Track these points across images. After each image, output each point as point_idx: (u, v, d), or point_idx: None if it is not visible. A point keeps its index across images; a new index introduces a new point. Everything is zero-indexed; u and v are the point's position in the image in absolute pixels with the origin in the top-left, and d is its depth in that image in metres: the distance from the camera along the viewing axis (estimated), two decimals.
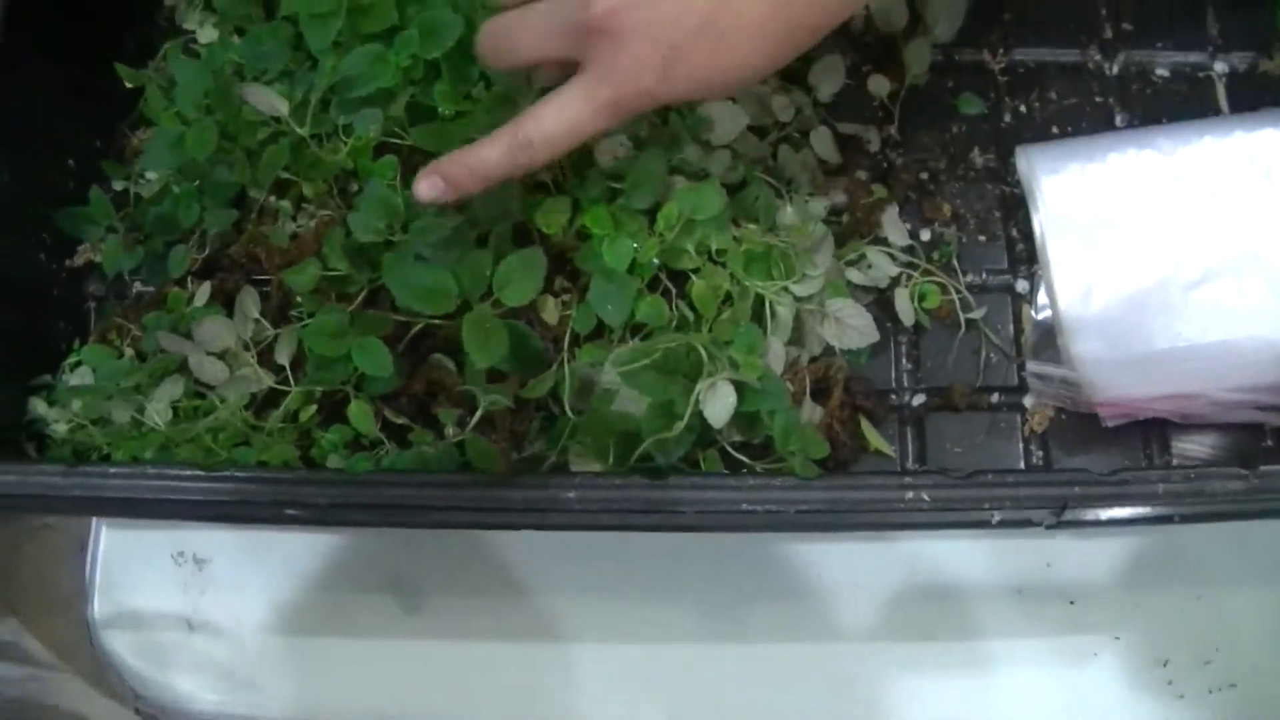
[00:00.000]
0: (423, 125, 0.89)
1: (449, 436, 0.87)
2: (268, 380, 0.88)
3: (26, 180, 0.93)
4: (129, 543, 0.97)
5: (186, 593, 0.95)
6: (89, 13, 0.97)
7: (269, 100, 0.89)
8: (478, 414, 0.85)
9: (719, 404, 0.81)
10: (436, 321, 0.86)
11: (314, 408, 0.88)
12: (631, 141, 0.88)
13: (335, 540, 0.94)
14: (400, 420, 0.88)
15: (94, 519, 0.97)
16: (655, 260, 0.85)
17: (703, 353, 0.80)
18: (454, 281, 0.83)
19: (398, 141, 0.90)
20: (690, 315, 0.86)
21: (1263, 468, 0.77)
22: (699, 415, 0.81)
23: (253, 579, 0.95)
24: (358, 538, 0.94)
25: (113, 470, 0.80)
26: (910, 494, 0.77)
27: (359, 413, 0.86)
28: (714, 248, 0.86)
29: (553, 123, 0.76)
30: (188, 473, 0.78)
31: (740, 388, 0.81)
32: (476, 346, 0.81)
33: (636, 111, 0.75)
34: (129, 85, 0.97)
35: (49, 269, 0.95)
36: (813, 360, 0.89)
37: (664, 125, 0.90)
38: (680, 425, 0.80)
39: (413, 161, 0.88)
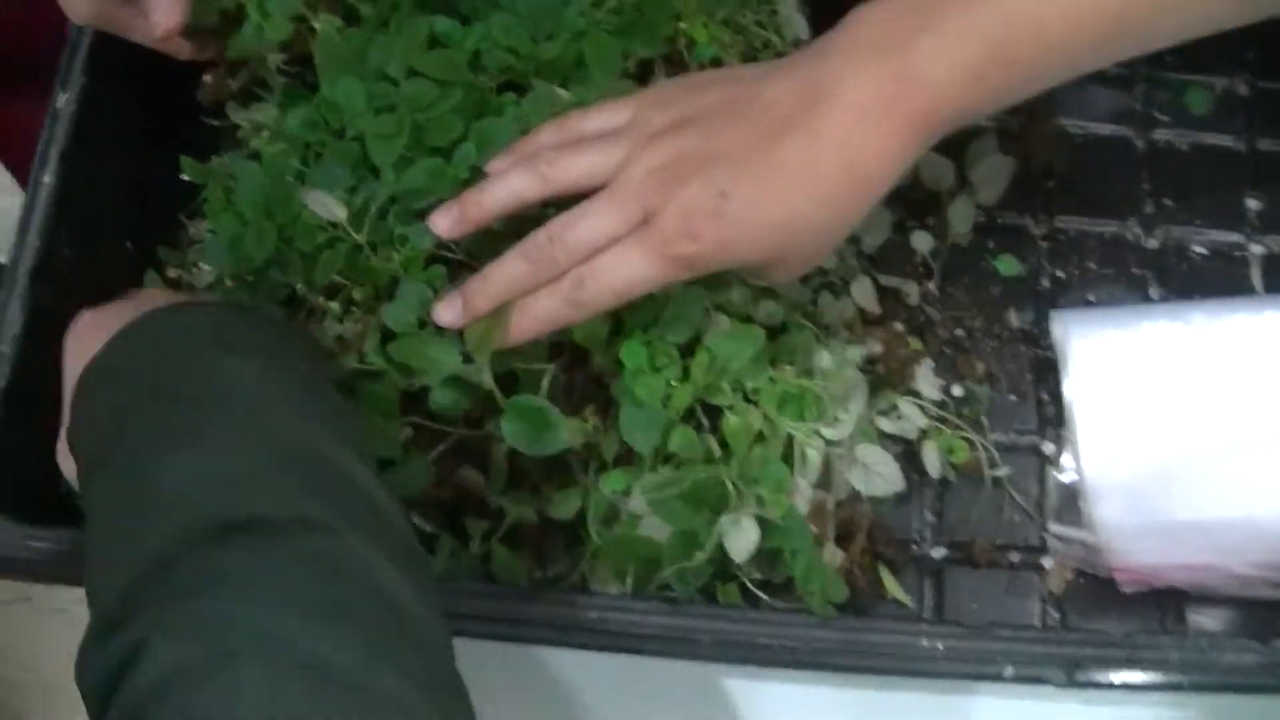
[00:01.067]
0: (474, 236, 0.93)
1: (474, 547, 0.90)
2: None
3: (88, 259, 0.97)
4: None
5: None
6: (160, 104, 1.03)
7: (329, 206, 0.93)
8: (505, 525, 0.89)
9: (742, 539, 0.84)
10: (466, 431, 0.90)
11: None
12: None
13: None
14: (429, 528, 0.91)
15: None
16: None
17: (730, 488, 0.84)
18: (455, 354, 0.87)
19: (448, 254, 0.94)
20: (718, 449, 0.89)
21: (1277, 642, 0.80)
22: (720, 548, 0.84)
23: None
24: None
25: None
26: (925, 641, 0.80)
27: None
28: (749, 386, 0.89)
29: (609, 277, 0.80)
30: None
31: (764, 524, 0.85)
32: (520, 434, 0.85)
33: (696, 272, 0.79)
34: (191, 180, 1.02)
35: None
36: (839, 504, 0.92)
37: None
38: (702, 556, 0.83)
39: (461, 275, 0.92)
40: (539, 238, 0.81)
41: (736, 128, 0.78)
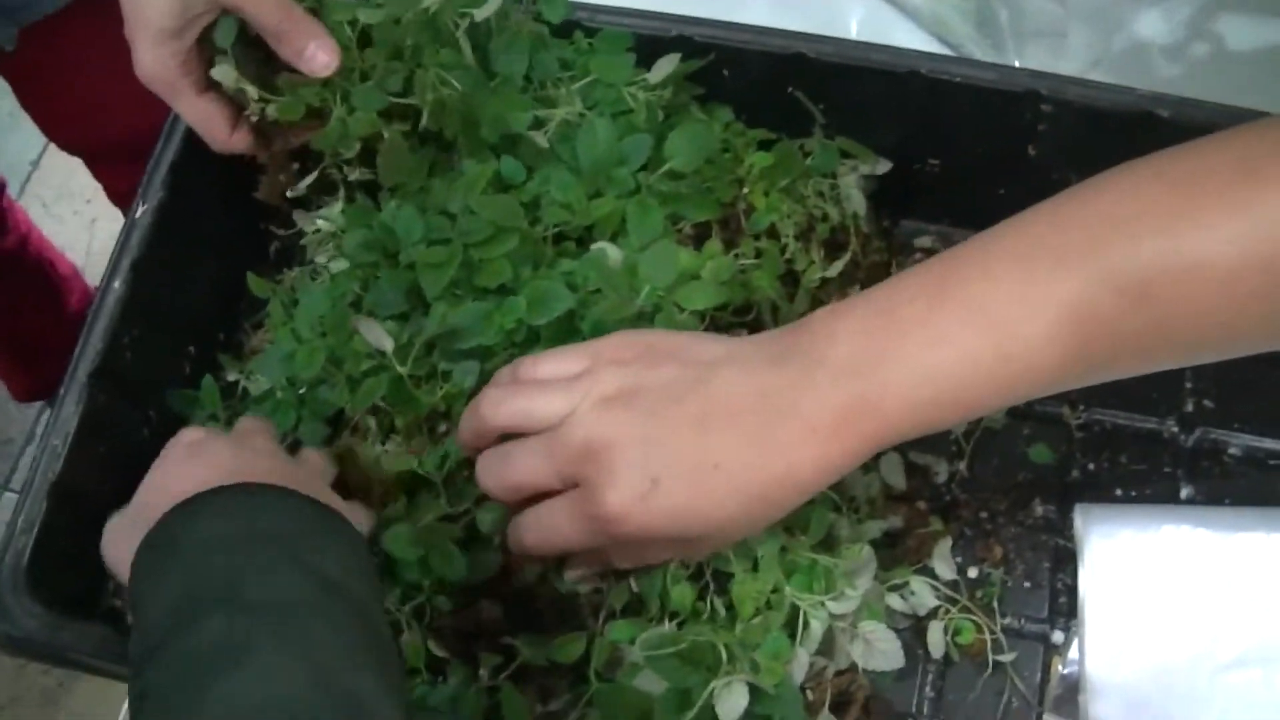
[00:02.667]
0: None
1: (482, 679, 0.96)
2: None
3: (150, 358, 1.06)
4: None
5: None
6: (236, 215, 1.11)
7: (378, 335, 1.00)
8: (515, 663, 0.95)
9: (731, 702, 0.89)
10: None
11: None
12: None
13: None
14: (442, 654, 0.97)
15: None
16: None
17: (722, 651, 0.89)
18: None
19: None
20: (723, 610, 0.95)
21: None
22: (711, 709, 0.89)
23: None
24: None
25: None
26: None
27: (411, 645, 0.96)
28: (759, 554, 0.95)
29: (541, 533, 0.87)
30: None
31: (757, 691, 0.90)
32: None
33: (615, 537, 0.83)
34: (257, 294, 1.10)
35: (150, 443, 1.07)
36: (838, 674, 0.97)
37: None
38: (690, 715, 0.88)
39: None
40: (485, 458, 0.89)
41: (681, 414, 0.82)
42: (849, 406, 0.79)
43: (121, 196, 1.89)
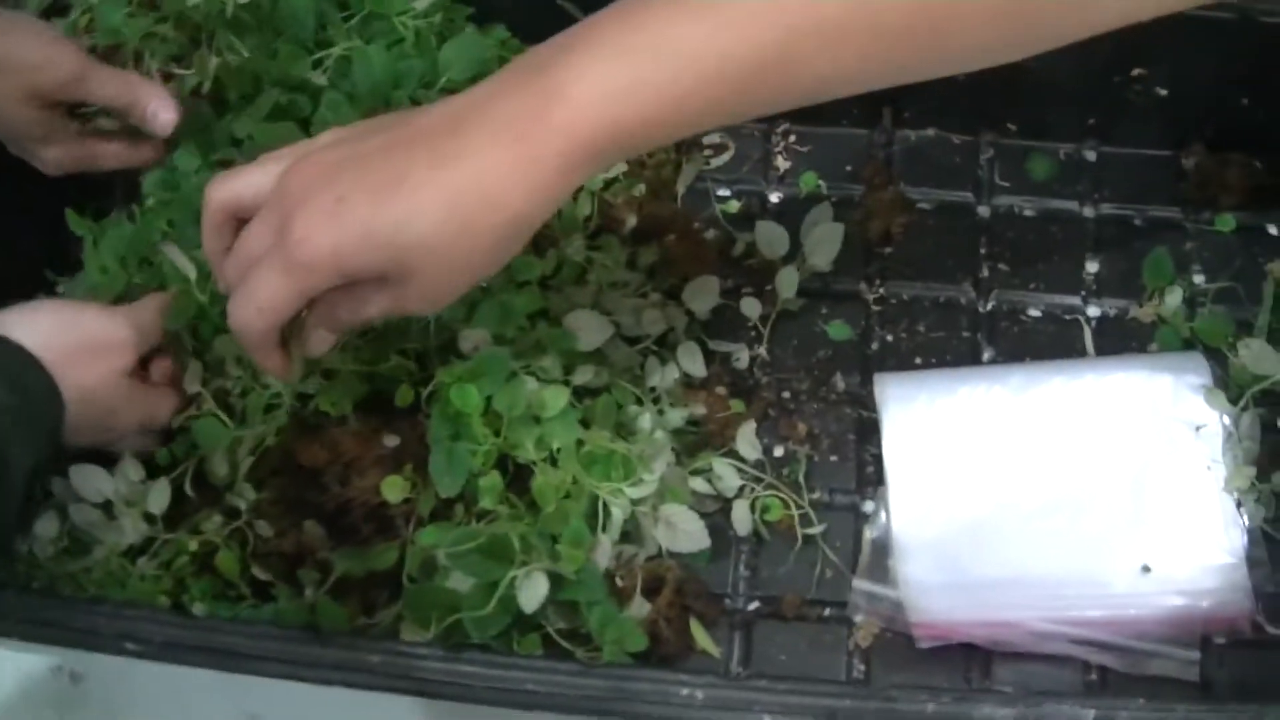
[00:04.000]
0: None
1: (308, 596, 1.01)
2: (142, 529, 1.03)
3: None
4: (7, 654, 1.12)
5: (59, 707, 1.10)
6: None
7: (183, 262, 1.05)
8: (332, 578, 1.00)
9: (532, 591, 0.94)
10: None
11: (187, 557, 1.03)
12: (494, 339, 1.02)
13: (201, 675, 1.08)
14: (265, 577, 1.02)
15: None
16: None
17: (515, 543, 0.94)
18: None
19: None
20: (527, 507, 1.00)
21: (1033, 697, 0.89)
22: (514, 599, 0.94)
23: (124, 700, 1.09)
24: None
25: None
26: (685, 691, 0.89)
27: (227, 561, 1.01)
28: (555, 446, 1.00)
29: (247, 297, 0.83)
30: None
31: (558, 579, 0.95)
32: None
33: (320, 279, 0.80)
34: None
35: None
36: (648, 559, 1.03)
37: (531, 330, 1.04)
38: (490, 606, 0.93)
39: None
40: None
41: (375, 144, 0.80)
42: (531, 98, 0.76)
43: None
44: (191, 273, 1.05)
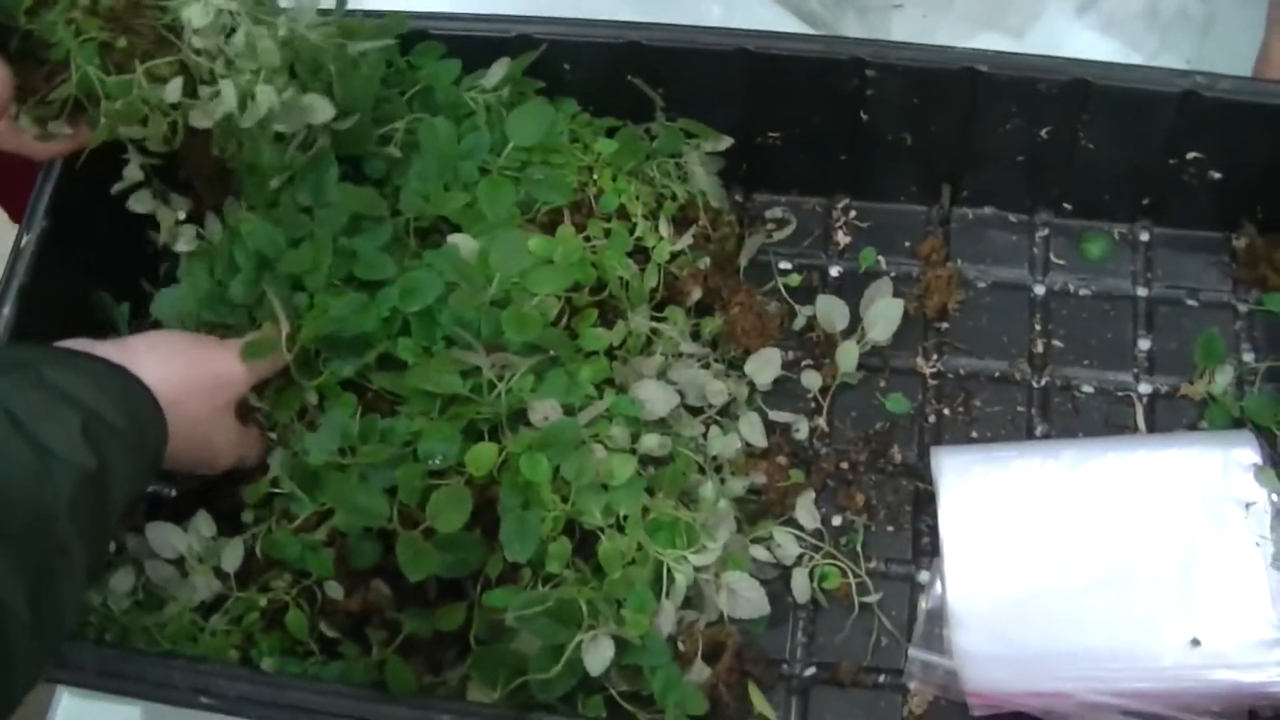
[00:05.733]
0: (387, 372, 1.09)
1: (375, 654, 1.05)
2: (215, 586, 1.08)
3: None
4: (83, 704, 1.16)
5: None
6: (124, 238, 1.20)
7: (279, 309, 1.08)
8: (399, 637, 1.04)
9: (598, 655, 0.98)
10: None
11: (257, 614, 1.07)
12: (563, 409, 1.06)
13: None
14: (333, 634, 1.06)
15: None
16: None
17: (588, 607, 0.98)
18: (385, 504, 1.02)
19: (364, 383, 1.10)
20: (594, 572, 1.04)
21: None
22: (580, 662, 0.98)
23: None
24: None
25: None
26: None
27: (296, 620, 1.05)
28: (621, 513, 1.04)
29: None
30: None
31: (623, 643, 0.99)
32: (407, 563, 1.01)
33: None
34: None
35: None
36: (709, 625, 1.06)
37: (598, 398, 1.08)
38: (557, 668, 0.97)
39: (376, 406, 1.08)
40: None
41: None
42: None
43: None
44: (284, 326, 1.08)
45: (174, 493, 1.15)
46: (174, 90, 1.02)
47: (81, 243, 1.16)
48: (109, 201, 1.14)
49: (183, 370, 1.02)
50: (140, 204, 1.16)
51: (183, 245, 1.18)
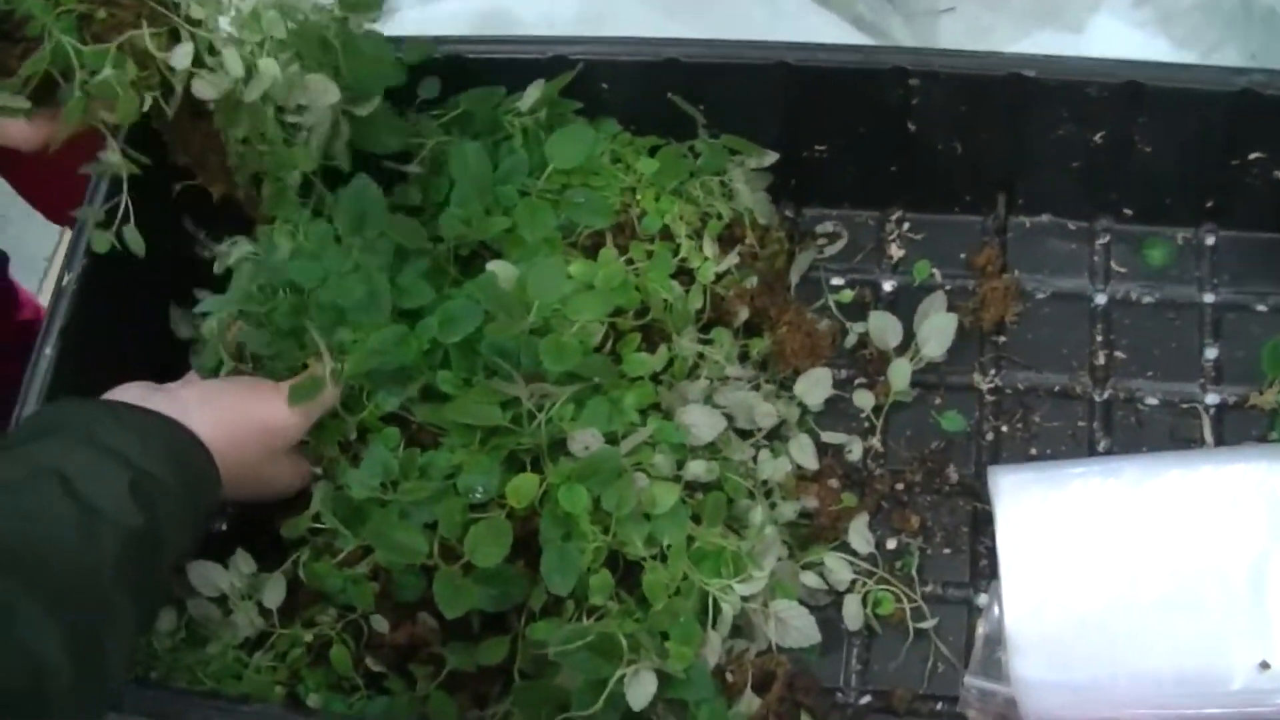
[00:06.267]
0: (429, 404, 1.08)
1: (420, 689, 1.04)
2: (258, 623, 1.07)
3: None
4: None
5: None
6: (166, 273, 1.20)
7: (322, 350, 1.07)
8: (444, 672, 1.03)
9: (641, 689, 0.96)
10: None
11: (301, 649, 1.06)
12: (605, 437, 1.05)
13: None
14: (379, 669, 1.05)
15: None
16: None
17: (627, 640, 0.96)
18: (424, 542, 1.01)
19: (406, 415, 1.08)
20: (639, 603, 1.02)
21: None
22: (623, 697, 0.96)
23: None
24: None
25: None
26: None
27: (340, 656, 1.04)
28: (665, 543, 1.02)
29: None
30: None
31: (667, 676, 0.97)
32: (446, 599, 1.00)
33: None
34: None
35: None
36: (759, 654, 1.04)
37: (642, 425, 1.06)
38: (599, 704, 0.95)
39: (420, 438, 1.07)
40: None
41: None
42: None
43: None
44: (327, 364, 1.07)
45: (224, 527, 1.16)
46: (182, 56, 1.00)
47: (123, 279, 1.16)
48: (152, 238, 1.15)
49: (235, 420, 1.02)
50: None
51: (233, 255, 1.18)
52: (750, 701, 1.02)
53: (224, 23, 1.03)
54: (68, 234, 1.97)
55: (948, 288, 1.19)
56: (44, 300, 1.80)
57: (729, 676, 1.02)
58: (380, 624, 1.05)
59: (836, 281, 1.22)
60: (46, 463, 0.88)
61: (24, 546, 0.84)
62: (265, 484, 1.07)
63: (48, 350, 1.11)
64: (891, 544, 1.11)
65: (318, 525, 1.07)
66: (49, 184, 1.71)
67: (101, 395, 1.02)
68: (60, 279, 1.13)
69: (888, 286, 1.22)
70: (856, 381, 1.17)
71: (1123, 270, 1.19)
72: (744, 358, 1.16)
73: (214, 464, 0.98)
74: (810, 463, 1.12)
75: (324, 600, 1.07)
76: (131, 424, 0.95)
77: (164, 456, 0.94)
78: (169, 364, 1.18)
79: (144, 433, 0.95)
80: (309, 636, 1.06)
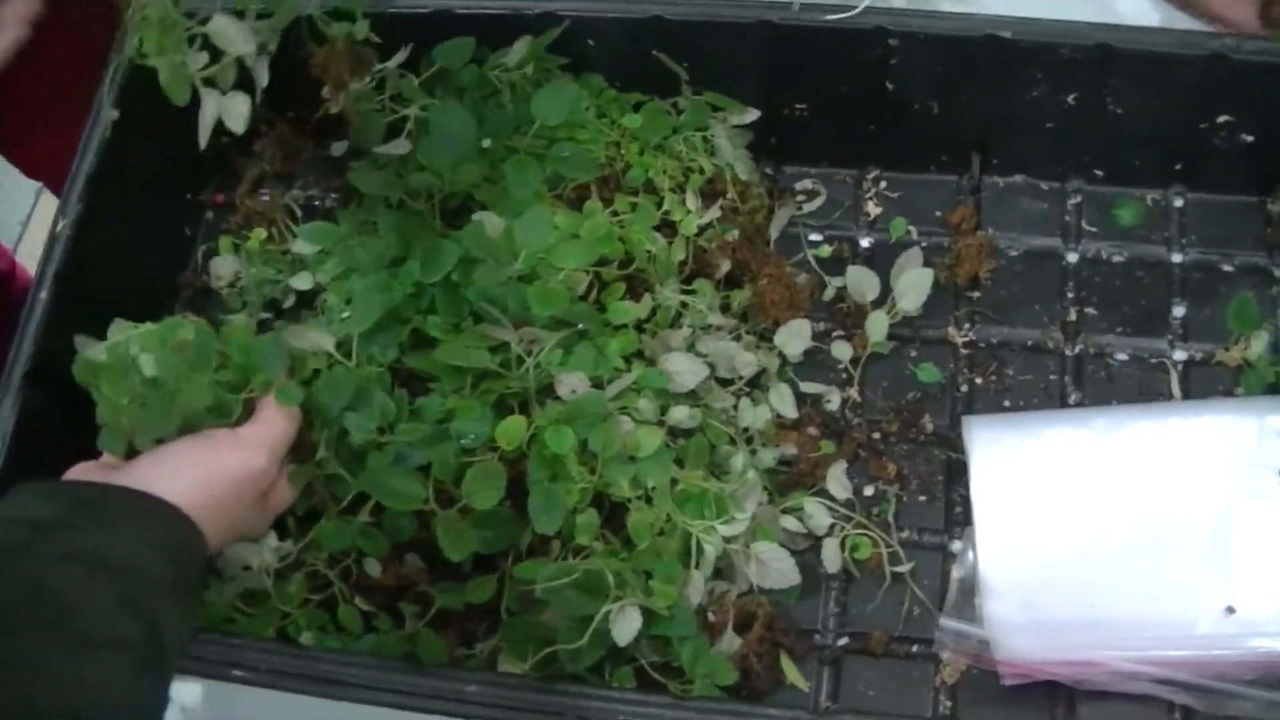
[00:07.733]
0: (418, 351, 1.10)
1: (408, 628, 1.06)
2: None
3: None
4: None
5: None
6: (158, 224, 1.22)
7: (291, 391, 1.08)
8: (431, 611, 1.05)
9: (625, 625, 0.99)
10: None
11: (296, 589, 1.08)
12: (591, 382, 1.07)
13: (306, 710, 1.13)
14: (368, 609, 1.07)
15: None
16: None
17: (609, 578, 0.99)
18: (420, 487, 1.04)
19: (398, 366, 1.10)
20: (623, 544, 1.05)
21: None
22: (608, 633, 0.99)
23: None
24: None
25: None
26: None
27: (346, 614, 1.07)
28: (649, 485, 1.05)
29: None
30: None
31: (651, 614, 1.00)
32: (449, 543, 1.03)
33: None
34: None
35: (88, 440, 1.16)
36: (740, 595, 1.07)
37: (627, 371, 1.09)
38: (585, 639, 0.98)
39: (411, 385, 1.10)
40: None
41: None
42: None
43: None
44: (297, 398, 1.06)
45: None
46: None
47: (118, 226, 1.18)
48: (146, 184, 1.17)
49: (209, 480, 1.00)
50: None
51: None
52: (731, 641, 1.05)
53: None
54: (45, 198, 1.98)
55: (923, 244, 1.22)
56: (21, 262, 1.82)
57: (711, 616, 1.05)
58: (374, 567, 1.08)
59: (815, 237, 1.25)
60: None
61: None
62: (249, 528, 1.07)
63: (42, 294, 1.12)
64: (869, 491, 1.14)
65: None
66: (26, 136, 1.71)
67: (60, 476, 1.01)
68: (54, 225, 1.15)
69: (865, 243, 1.24)
70: (835, 333, 1.19)
71: (1093, 230, 1.22)
72: (725, 309, 1.18)
73: (201, 537, 0.97)
74: (790, 411, 1.15)
75: (317, 548, 1.09)
76: (107, 516, 0.93)
77: (148, 543, 0.92)
78: (159, 308, 1.19)
79: (117, 523, 0.92)
80: (303, 582, 1.09)
